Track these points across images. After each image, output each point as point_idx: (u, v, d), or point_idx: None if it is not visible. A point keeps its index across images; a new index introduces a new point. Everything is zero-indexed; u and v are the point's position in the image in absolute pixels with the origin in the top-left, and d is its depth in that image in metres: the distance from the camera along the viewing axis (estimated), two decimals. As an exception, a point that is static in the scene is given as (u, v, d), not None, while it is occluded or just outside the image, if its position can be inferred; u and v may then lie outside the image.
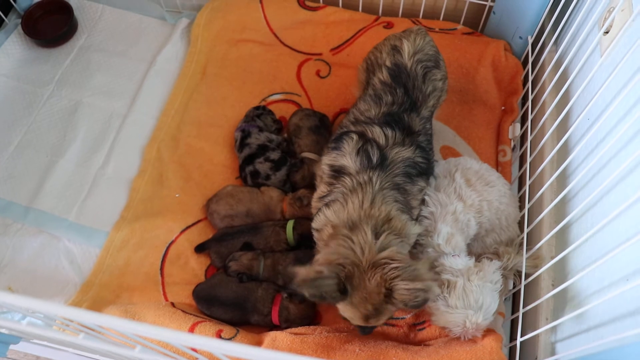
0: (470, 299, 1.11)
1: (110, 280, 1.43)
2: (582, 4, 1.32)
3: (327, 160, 1.24)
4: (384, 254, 1.05)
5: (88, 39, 1.84)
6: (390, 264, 1.04)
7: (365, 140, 1.20)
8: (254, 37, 1.76)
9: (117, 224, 1.51)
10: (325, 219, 1.17)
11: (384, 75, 1.28)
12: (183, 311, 1.32)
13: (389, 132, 1.20)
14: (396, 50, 1.29)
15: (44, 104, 1.71)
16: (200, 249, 1.45)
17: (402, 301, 1.02)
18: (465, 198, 1.23)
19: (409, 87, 1.26)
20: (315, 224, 1.21)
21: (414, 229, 1.16)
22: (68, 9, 1.82)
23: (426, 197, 1.24)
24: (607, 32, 1.18)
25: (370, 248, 1.06)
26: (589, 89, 1.22)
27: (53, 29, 1.81)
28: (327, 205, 1.18)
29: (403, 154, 1.19)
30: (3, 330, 0.93)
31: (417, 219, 1.22)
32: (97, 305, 1.38)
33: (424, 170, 1.23)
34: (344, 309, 1.10)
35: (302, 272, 1.05)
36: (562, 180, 1.27)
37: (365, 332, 1.21)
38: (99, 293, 1.42)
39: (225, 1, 1.79)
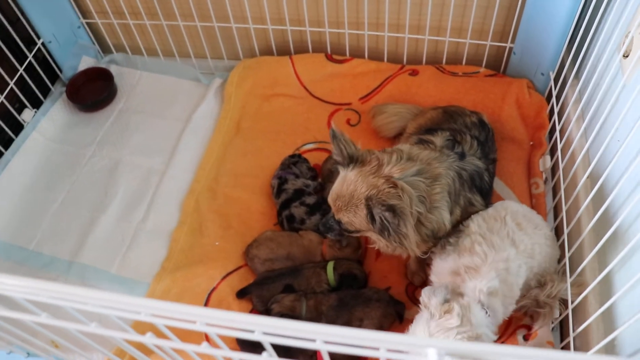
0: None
1: (152, 330, 1.43)
2: (599, 34, 1.37)
3: (417, 137, 1.39)
4: (400, 182, 1.13)
5: (127, 102, 1.95)
6: (399, 193, 1.12)
7: (454, 139, 1.35)
8: (285, 92, 1.85)
9: (158, 275, 1.53)
10: (396, 147, 1.28)
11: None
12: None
13: (475, 144, 1.35)
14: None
15: (86, 164, 1.79)
16: (242, 294, 1.45)
17: (370, 207, 1.14)
18: (518, 243, 1.19)
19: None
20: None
21: (444, 213, 1.21)
22: (109, 76, 1.94)
23: (479, 237, 1.20)
24: (626, 56, 1.22)
25: (402, 170, 1.16)
26: (615, 111, 1.25)
27: (94, 95, 1.92)
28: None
29: (477, 162, 1.31)
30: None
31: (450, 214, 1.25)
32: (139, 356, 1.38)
33: (485, 190, 1.31)
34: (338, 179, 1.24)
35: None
36: (598, 203, 1.28)
37: (326, 226, 1.30)
38: (140, 344, 1.41)
39: (256, 60, 1.89)
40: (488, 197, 1.37)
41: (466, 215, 1.31)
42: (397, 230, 1.14)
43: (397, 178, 1.14)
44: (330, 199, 1.25)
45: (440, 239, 1.28)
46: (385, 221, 1.14)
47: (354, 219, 1.20)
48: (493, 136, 1.49)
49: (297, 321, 0.54)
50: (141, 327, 1.37)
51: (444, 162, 1.24)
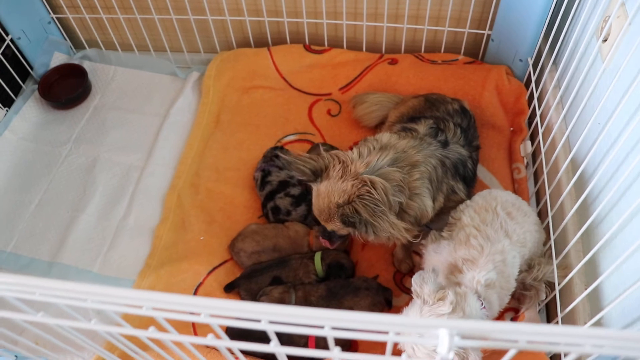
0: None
1: (139, 326, 1.41)
2: (576, 19, 1.39)
3: (400, 125, 1.39)
4: (369, 177, 1.13)
5: (102, 98, 1.90)
6: (369, 188, 1.12)
7: (438, 127, 1.35)
8: (264, 84, 1.83)
9: (143, 272, 1.50)
10: (374, 136, 1.28)
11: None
12: (218, 351, 1.30)
13: (458, 131, 1.35)
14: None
15: (62, 163, 1.75)
16: (229, 288, 1.44)
17: (343, 216, 1.15)
18: (511, 233, 1.19)
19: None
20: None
21: (426, 200, 1.22)
22: (82, 72, 1.89)
23: (474, 230, 1.19)
24: (605, 40, 1.24)
25: (368, 163, 1.16)
26: (596, 95, 1.27)
27: (68, 92, 1.87)
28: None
29: (461, 150, 1.32)
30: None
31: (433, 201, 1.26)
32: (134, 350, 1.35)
33: (469, 177, 1.32)
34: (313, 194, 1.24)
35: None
36: (580, 186, 1.30)
37: (325, 236, 1.29)
38: (135, 339, 1.39)
39: (234, 52, 1.87)
40: (472, 184, 1.38)
41: (449, 203, 1.33)
42: (379, 227, 1.15)
43: (364, 173, 1.14)
44: (315, 214, 1.26)
45: (425, 226, 1.29)
46: (363, 222, 1.15)
47: (339, 227, 1.21)
48: (475, 123, 1.50)
49: (306, 307, 0.54)
50: (132, 320, 1.36)
51: (424, 150, 1.25)
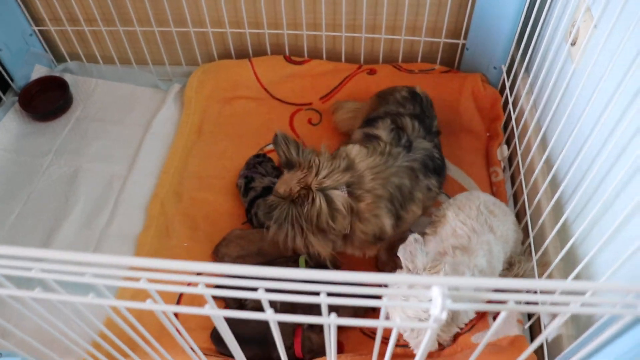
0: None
1: (123, 332, 1.40)
2: (546, 26, 1.46)
3: (361, 130, 1.41)
4: (317, 193, 1.20)
5: (84, 110, 1.91)
6: (304, 199, 1.20)
7: (396, 125, 1.38)
8: (246, 94, 1.86)
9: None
10: (345, 149, 1.31)
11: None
12: (204, 353, 1.30)
13: (416, 124, 1.38)
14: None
15: (44, 173, 1.74)
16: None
17: (270, 204, 1.22)
18: (495, 229, 1.23)
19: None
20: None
21: (384, 220, 1.26)
22: (63, 85, 1.90)
23: (459, 223, 1.23)
24: (574, 44, 1.31)
25: (321, 183, 1.21)
26: (567, 95, 1.32)
27: (49, 104, 1.87)
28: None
29: (424, 144, 1.34)
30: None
31: (402, 212, 1.30)
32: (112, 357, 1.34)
33: (439, 168, 1.34)
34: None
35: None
36: (555, 185, 1.35)
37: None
38: (112, 346, 1.38)
39: (216, 64, 1.90)
40: (442, 172, 1.42)
41: (427, 202, 1.38)
42: (288, 235, 1.25)
43: (317, 188, 1.20)
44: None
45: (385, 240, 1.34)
46: (278, 222, 1.23)
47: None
48: (430, 105, 1.52)
49: (300, 269, 0.56)
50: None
51: (388, 168, 1.28)
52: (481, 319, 1.36)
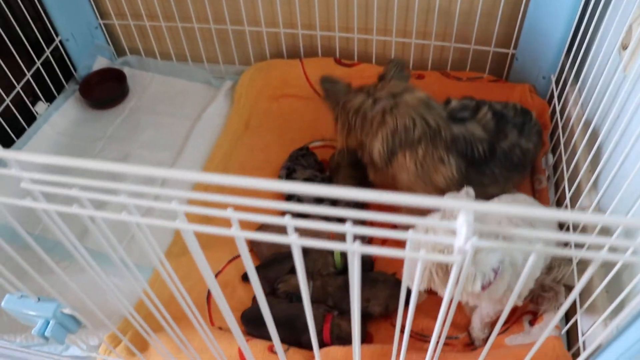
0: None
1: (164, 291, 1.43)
2: (600, 33, 1.44)
3: None
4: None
5: (138, 101, 1.99)
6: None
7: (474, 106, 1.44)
8: (294, 92, 1.90)
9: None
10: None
11: None
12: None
13: (489, 115, 1.41)
14: None
15: (95, 157, 1.81)
16: (247, 276, 1.45)
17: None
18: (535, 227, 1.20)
19: None
20: None
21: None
22: (122, 77, 1.99)
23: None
24: (625, 48, 1.28)
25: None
26: (617, 103, 1.29)
27: (107, 94, 1.97)
28: None
29: (476, 130, 1.37)
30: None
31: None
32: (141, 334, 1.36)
33: (475, 158, 1.36)
34: None
35: None
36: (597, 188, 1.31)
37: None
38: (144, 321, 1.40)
39: (267, 62, 1.95)
40: (481, 167, 1.38)
41: (437, 175, 1.37)
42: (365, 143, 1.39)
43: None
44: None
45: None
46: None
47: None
48: (537, 128, 1.48)
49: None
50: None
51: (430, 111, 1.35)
52: (516, 322, 1.32)
